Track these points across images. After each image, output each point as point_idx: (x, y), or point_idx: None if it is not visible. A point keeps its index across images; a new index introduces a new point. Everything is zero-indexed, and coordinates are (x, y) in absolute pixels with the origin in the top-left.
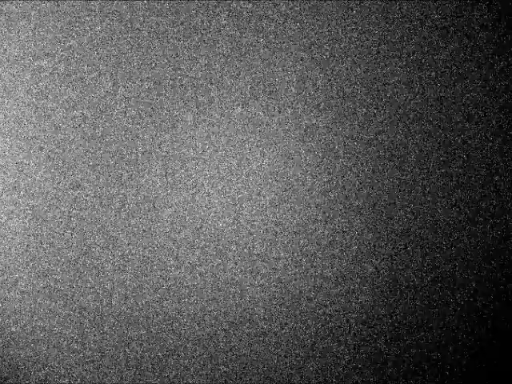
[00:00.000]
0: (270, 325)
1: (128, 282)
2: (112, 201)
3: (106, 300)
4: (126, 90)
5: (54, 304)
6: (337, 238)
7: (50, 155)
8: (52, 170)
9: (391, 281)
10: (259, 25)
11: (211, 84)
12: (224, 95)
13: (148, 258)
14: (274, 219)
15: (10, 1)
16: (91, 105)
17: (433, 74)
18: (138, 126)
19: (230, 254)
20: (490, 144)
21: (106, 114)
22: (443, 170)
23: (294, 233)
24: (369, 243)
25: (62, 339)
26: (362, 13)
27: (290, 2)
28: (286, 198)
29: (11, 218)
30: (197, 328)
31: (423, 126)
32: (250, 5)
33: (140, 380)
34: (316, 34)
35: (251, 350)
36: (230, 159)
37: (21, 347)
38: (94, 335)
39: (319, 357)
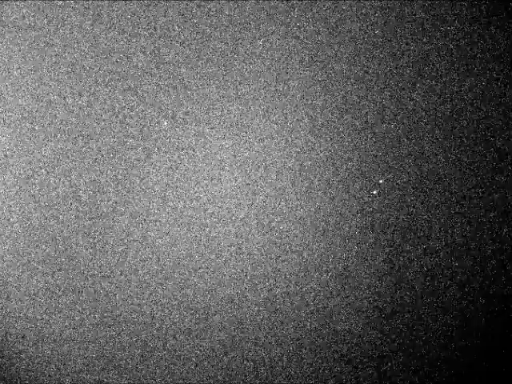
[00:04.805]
0: (270, 324)
1: (128, 282)
2: (113, 200)
3: (107, 300)
4: (127, 86)
5: (54, 304)
6: (337, 237)
7: (50, 154)
8: (54, 169)
9: (393, 279)
10: (260, 24)
11: (211, 81)
12: (224, 94)
13: (149, 257)
14: (273, 218)
15: (9, 1)
16: (91, 102)
17: (435, 70)
18: (141, 125)
19: (230, 252)
20: (492, 142)
21: (106, 111)
22: (446, 168)
23: (295, 231)
24: (370, 242)
25: (63, 339)
26: (362, 12)
27: (290, 2)
28: (286, 197)
29: (11, 217)
30: (198, 328)
31: (425, 123)
32: (251, 5)
33: (140, 380)
34: (318, 32)
35: (250, 349)
36: (232, 157)
37: (21, 347)
38: (95, 335)
39: (319, 357)
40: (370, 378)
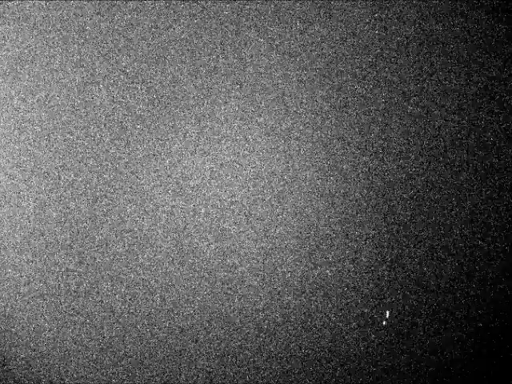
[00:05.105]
0: (270, 325)
1: (129, 283)
2: (113, 200)
3: (107, 300)
4: (128, 86)
5: (54, 304)
6: (337, 237)
7: (50, 154)
8: (54, 169)
9: (393, 279)
10: (260, 25)
11: (211, 81)
12: (224, 93)
13: (148, 257)
14: (273, 218)
15: (9, 1)
16: (91, 102)
17: (435, 71)
18: (141, 125)
19: (230, 253)
20: (492, 142)
21: (106, 111)
22: (445, 168)
23: (295, 231)
24: (370, 241)
25: (63, 339)
26: (362, 12)
27: (290, 2)
28: (286, 198)
29: (12, 217)
30: (198, 328)
31: (424, 123)
32: (252, 5)
33: (140, 380)
34: (318, 34)
35: (250, 349)
36: (230, 159)
37: (21, 347)
38: (95, 335)
39: (319, 357)
40: (370, 377)
